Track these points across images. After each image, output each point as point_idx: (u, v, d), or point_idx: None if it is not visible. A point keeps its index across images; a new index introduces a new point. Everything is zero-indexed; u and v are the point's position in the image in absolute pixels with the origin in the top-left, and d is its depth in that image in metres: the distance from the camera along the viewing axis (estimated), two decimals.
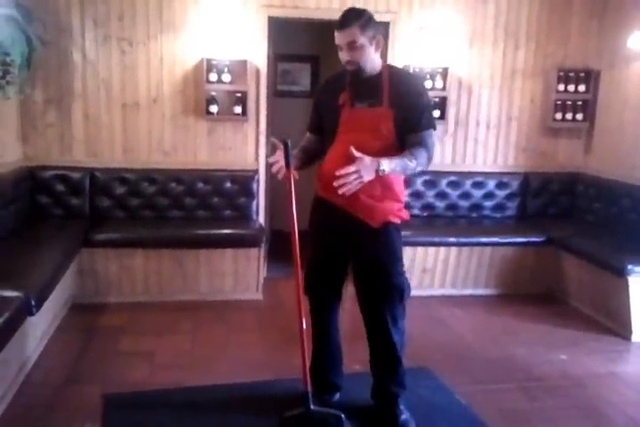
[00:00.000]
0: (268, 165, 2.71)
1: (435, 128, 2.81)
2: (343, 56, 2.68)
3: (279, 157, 2.65)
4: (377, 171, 2.51)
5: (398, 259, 2.86)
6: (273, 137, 2.91)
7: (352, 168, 2.44)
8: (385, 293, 2.79)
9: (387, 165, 2.53)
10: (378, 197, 2.74)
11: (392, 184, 2.77)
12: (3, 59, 3.86)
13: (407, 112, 2.70)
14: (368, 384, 3.00)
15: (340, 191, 2.47)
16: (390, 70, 2.80)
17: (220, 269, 4.61)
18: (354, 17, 2.65)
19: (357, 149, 2.53)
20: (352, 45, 2.64)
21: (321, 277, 2.95)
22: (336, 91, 2.81)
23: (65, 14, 4.55)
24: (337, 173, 2.45)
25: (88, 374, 3.40)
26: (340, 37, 2.65)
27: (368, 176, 2.49)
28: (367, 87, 2.75)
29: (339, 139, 2.77)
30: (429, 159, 2.74)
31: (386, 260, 2.79)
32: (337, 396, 3.12)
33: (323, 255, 2.91)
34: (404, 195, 2.89)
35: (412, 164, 2.63)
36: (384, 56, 5.00)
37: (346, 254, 2.90)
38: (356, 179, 2.46)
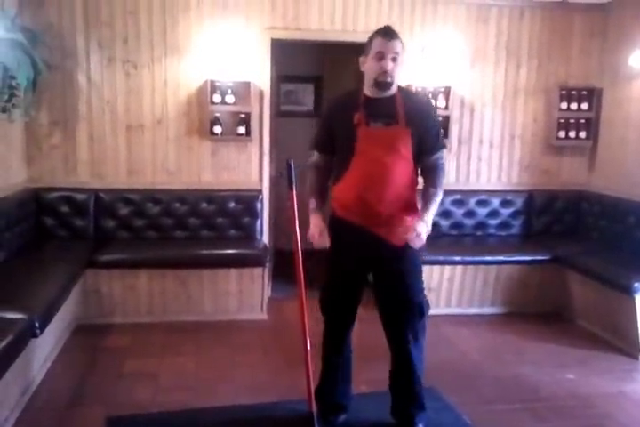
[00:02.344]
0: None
1: (445, 147, 2.93)
2: (384, 65, 2.66)
3: (316, 231, 2.85)
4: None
5: (419, 276, 2.89)
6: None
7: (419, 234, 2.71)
8: (406, 310, 2.82)
9: (428, 217, 2.77)
10: (399, 214, 2.77)
11: (411, 201, 2.81)
12: (9, 82, 3.90)
13: (422, 132, 2.75)
14: (374, 405, 2.98)
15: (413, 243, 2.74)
16: (401, 90, 2.81)
17: (225, 289, 4.60)
18: (397, 33, 2.72)
19: (377, 169, 2.67)
20: (396, 57, 2.67)
21: (339, 296, 2.92)
22: (349, 110, 2.78)
23: (70, 38, 4.60)
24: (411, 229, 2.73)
25: (92, 397, 3.38)
26: (388, 46, 2.66)
27: (425, 234, 2.74)
28: (382, 107, 2.75)
29: (357, 159, 2.76)
30: (444, 179, 2.89)
31: (407, 277, 2.82)
32: (343, 417, 3.08)
33: (341, 275, 2.89)
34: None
35: (438, 197, 2.82)
36: None
37: (366, 273, 2.89)
38: (419, 237, 2.72)
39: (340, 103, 2.98)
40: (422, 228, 2.70)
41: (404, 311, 2.82)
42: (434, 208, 2.81)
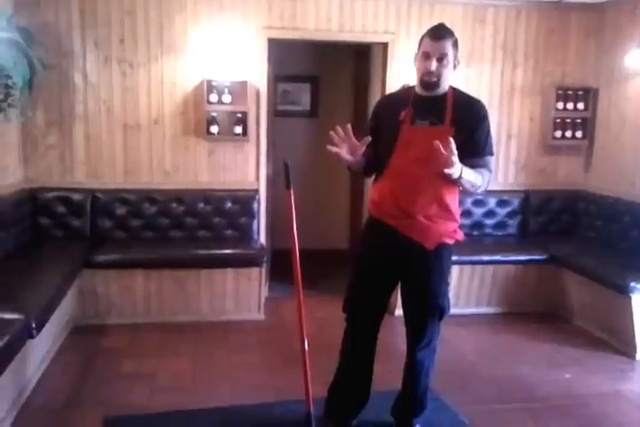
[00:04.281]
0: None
1: (492, 154, 2.80)
2: (428, 65, 2.62)
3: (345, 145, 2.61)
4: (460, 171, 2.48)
5: (444, 280, 2.87)
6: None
7: (453, 150, 2.41)
8: (426, 312, 2.81)
9: (465, 171, 2.52)
10: (433, 217, 2.72)
11: (448, 204, 2.74)
12: (4, 82, 3.88)
13: (471, 135, 2.68)
14: (374, 405, 3.00)
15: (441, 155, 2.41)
16: (455, 92, 2.77)
17: (222, 289, 4.60)
18: (449, 32, 2.66)
19: (413, 169, 2.61)
20: (442, 58, 2.62)
21: (369, 295, 2.88)
22: (398, 106, 2.76)
23: (66, 37, 4.59)
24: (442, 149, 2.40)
25: (89, 398, 3.37)
26: (434, 47, 2.62)
27: (455, 166, 2.43)
28: (430, 106, 2.71)
29: (395, 158, 2.71)
30: (488, 184, 2.75)
31: (432, 281, 2.79)
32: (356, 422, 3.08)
33: (372, 274, 2.85)
34: (459, 215, 2.85)
35: (479, 182, 2.65)
36: (383, 76, 5.05)
37: (395, 274, 2.86)
38: (449, 156, 2.40)
39: (390, 99, 3.00)
40: (458, 165, 2.45)
41: (424, 312, 2.81)
42: (474, 174, 2.59)
